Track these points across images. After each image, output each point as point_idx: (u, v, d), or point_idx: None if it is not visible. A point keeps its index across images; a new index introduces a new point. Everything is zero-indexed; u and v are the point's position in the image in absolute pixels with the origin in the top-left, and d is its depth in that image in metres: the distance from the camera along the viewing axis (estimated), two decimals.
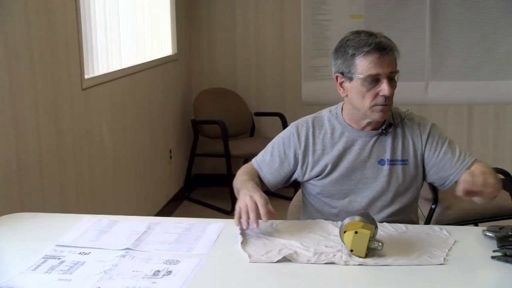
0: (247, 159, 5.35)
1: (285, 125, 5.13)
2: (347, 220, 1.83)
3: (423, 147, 2.22)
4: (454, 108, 5.34)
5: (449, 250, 1.83)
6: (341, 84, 2.19)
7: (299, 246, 1.87)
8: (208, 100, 5.33)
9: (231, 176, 4.82)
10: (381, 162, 2.20)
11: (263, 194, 2.04)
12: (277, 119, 5.25)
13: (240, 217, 1.98)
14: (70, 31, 3.21)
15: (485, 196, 1.94)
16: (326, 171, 2.22)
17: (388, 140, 2.21)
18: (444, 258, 1.77)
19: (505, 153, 5.30)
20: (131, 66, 4.09)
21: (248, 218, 1.95)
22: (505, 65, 5.18)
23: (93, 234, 2.02)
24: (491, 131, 5.35)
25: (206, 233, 2.03)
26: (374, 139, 2.21)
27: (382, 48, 2.08)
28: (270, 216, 1.96)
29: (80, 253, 1.86)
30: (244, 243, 1.92)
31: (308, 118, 2.30)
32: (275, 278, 1.69)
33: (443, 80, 5.27)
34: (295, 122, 2.31)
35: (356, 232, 1.76)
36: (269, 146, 2.33)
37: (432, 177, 2.24)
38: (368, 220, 1.83)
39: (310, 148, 2.25)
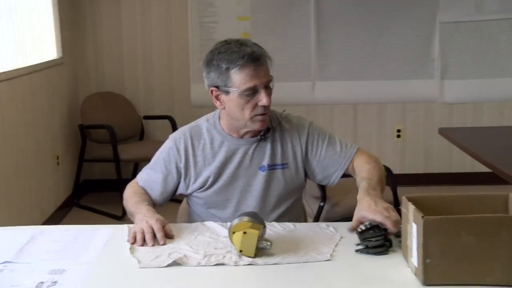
0: (137, 163, 5.28)
1: (174, 128, 5.10)
2: (235, 221, 1.84)
3: (304, 149, 2.24)
4: (340, 108, 5.51)
5: (335, 246, 1.88)
6: (217, 97, 2.16)
7: (189, 249, 1.86)
8: (95, 104, 5.21)
9: (121, 180, 4.80)
10: (262, 168, 2.20)
11: (160, 217, 2.01)
12: (166, 122, 5.22)
13: (134, 237, 1.93)
14: None
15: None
16: (208, 183, 2.20)
17: (267, 146, 2.21)
18: (330, 254, 1.81)
19: (387, 150, 5.53)
20: (11, 70, 3.93)
21: (144, 240, 1.92)
22: (385, 65, 5.39)
23: None
24: (375, 129, 5.56)
25: (95, 239, 1.97)
26: (254, 146, 2.20)
27: (256, 59, 2.06)
28: (168, 238, 1.95)
29: None
30: (132, 248, 1.89)
31: (185, 129, 2.26)
32: (166, 282, 1.68)
33: (329, 80, 5.42)
34: (173, 135, 2.27)
35: (244, 233, 1.77)
36: (151, 162, 2.28)
37: (318, 176, 2.27)
38: (257, 220, 1.85)
39: (191, 161, 2.21)
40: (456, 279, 1.57)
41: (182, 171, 2.22)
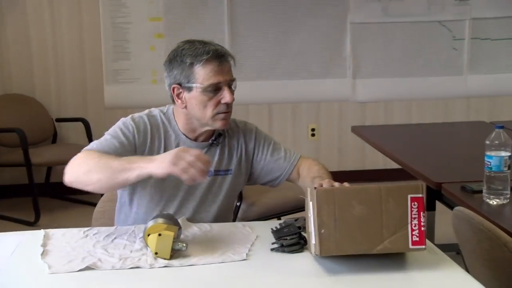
0: (50, 167, 5.14)
1: (88, 130, 5.00)
2: (150, 223, 1.82)
3: (251, 154, 2.23)
4: (254, 107, 5.53)
5: (251, 245, 1.89)
6: (178, 95, 2.09)
7: (104, 253, 1.83)
8: (2, 107, 5.02)
9: (33, 185, 4.66)
10: (208, 173, 2.12)
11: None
12: (80, 124, 5.10)
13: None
14: None
15: None
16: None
17: (216, 151, 2.18)
18: (246, 254, 1.82)
19: (302, 149, 5.60)
20: None
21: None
22: (299, 64, 5.48)
23: None
24: (289, 129, 5.63)
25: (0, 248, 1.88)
26: (204, 150, 2.16)
27: (221, 55, 2.05)
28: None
29: None
30: (45, 253, 1.84)
31: (143, 115, 2.14)
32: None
33: (244, 80, 5.42)
34: (131, 116, 2.13)
35: (159, 235, 1.76)
36: (103, 137, 2.08)
37: (262, 179, 2.27)
38: (172, 221, 1.84)
39: (148, 146, 2.10)
40: (350, 249, 1.65)
41: (137, 150, 2.08)
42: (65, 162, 2.22)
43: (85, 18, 5.24)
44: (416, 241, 1.65)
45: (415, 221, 1.65)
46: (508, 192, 2.28)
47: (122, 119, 2.14)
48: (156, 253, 1.77)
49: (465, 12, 5.50)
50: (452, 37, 5.54)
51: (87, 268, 1.72)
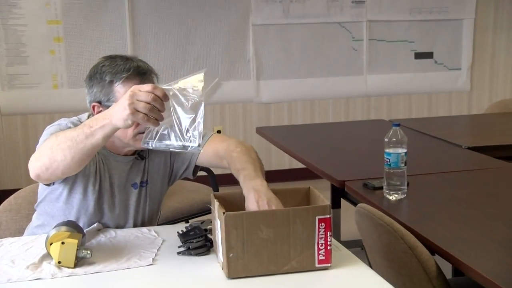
0: None
1: None
2: (53, 231, 1.77)
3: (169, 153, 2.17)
4: None
5: (157, 250, 1.88)
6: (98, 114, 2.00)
7: (8, 264, 1.76)
8: None
9: None
10: (134, 185, 2.11)
11: None
12: None
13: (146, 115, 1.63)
14: None
15: None
16: (89, 190, 2.03)
17: (142, 162, 2.13)
18: (153, 259, 1.81)
19: None
20: None
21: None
22: (201, 67, 5.46)
23: None
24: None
25: None
26: (131, 163, 2.10)
27: (142, 73, 1.97)
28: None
29: None
30: None
31: (75, 121, 2.02)
32: None
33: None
34: (61, 121, 2.00)
35: (62, 243, 1.71)
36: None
37: (179, 172, 2.21)
38: (75, 229, 1.80)
39: None
40: (257, 271, 1.68)
41: None
42: None
43: None
44: (322, 259, 1.70)
45: (322, 241, 1.69)
46: (405, 187, 2.38)
47: (56, 124, 1.99)
48: (59, 262, 1.72)
49: (362, 14, 5.68)
50: (352, 38, 5.71)
51: None
